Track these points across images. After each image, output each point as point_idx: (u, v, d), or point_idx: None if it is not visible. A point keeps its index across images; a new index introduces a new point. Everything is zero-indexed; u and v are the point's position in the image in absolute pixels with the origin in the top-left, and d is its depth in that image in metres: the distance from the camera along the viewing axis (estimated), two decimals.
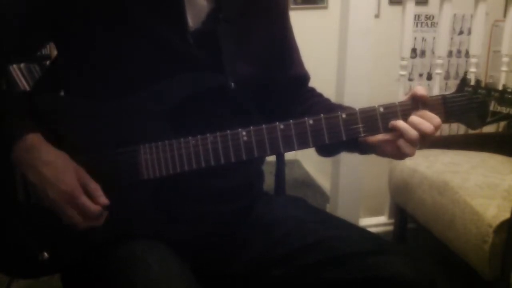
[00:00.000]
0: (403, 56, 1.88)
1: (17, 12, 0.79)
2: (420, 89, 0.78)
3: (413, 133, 0.76)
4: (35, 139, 0.75)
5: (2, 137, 0.76)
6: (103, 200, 0.75)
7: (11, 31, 0.80)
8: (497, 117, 0.77)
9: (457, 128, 2.23)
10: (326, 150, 0.91)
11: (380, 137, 0.80)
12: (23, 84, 2.60)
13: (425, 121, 0.76)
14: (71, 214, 0.74)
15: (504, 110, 0.77)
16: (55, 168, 0.74)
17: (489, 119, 0.78)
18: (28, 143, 0.74)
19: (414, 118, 0.77)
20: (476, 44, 1.91)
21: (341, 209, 1.95)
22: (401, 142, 0.77)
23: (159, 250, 0.76)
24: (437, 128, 0.76)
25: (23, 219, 0.80)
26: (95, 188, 0.76)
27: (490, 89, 0.77)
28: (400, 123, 0.77)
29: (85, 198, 0.74)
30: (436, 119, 0.76)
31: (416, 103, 0.78)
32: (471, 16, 2.21)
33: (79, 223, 0.74)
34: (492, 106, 0.77)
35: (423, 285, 0.79)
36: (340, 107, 0.91)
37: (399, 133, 0.77)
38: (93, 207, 0.74)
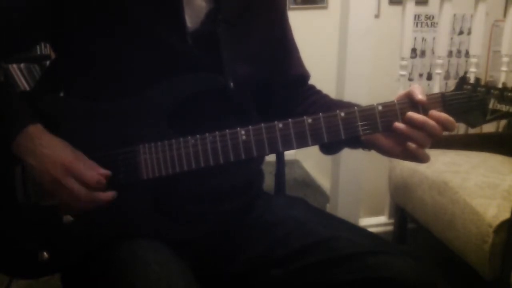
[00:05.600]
0: (403, 56, 1.88)
1: (17, 10, 0.79)
2: (418, 92, 0.77)
3: (421, 135, 0.76)
4: (35, 130, 0.76)
5: (1, 133, 0.76)
6: (103, 171, 0.76)
7: (9, 28, 0.79)
8: (496, 115, 0.77)
9: (457, 128, 2.23)
10: (329, 147, 0.90)
11: (385, 141, 0.80)
12: (23, 84, 2.60)
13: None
14: (72, 185, 0.74)
15: (504, 108, 0.76)
16: (53, 147, 0.75)
17: (488, 117, 0.77)
18: (29, 134, 0.75)
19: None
20: (476, 44, 1.91)
21: (341, 209, 1.95)
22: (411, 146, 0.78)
23: (159, 250, 0.76)
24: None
25: (23, 219, 0.81)
26: (93, 163, 0.77)
27: (489, 87, 0.77)
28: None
29: (83, 166, 0.75)
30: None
31: (415, 102, 0.78)
32: (471, 16, 2.21)
33: (81, 193, 0.74)
34: (492, 104, 0.77)
35: (423, 285, 0.79)
36: (339, 103, 0.92)
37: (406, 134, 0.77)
38: (93, 172, 0.75)
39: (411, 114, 0.76)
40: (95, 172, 0.75)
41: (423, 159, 0.79)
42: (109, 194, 0.77)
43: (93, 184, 0.75)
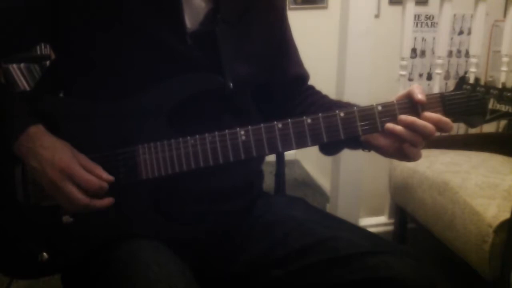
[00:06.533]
0: (403, 56, 1.88)
1: (17, 10, 0.79)
2: (417, 92, 0.77)
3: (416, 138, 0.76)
4: (37, 130, 0.76)
5: (3, 133, 0.76)
6: (106, 175, 0.76)
7: (9, 28, 0.79)
8: (496, 115, 0.77)
9: (457, 128, 2.23)
10: (328, 148, 0.91)
11: (384, 141, 0.80)
12: (23, 84, 2.61)
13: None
14: (70, 189, 0.73)
15: (503, 108, 0.76)
16: (54, 149, 0.75)
17: (488, 117, 0.77)
18: (30, 135, 0.75)
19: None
20: (476, 44, 1.91)
21: (341, 209, 1.95)
22: (405, 145, 0.78)
23: (159, 250, 0.76)
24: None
25: (23, 219, 0.81)
26: (96, 166, 0.76)
27: (489, 87, 0.77)
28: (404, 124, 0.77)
29: (83, 170, 0.74)
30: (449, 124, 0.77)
31: (415, 101, 0.78)
32: (471, 16, 2.21)
33: (79, 198, 0.74)
34: (491, 104, 0.77)
35: (424, 285, 0.78)
36: (339, 104, 0.92)
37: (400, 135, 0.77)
38: (93, 178, 0.74)
39: (401, 116, 0.77)
40: (95, 177, 0.75)
41: (413, 157, 0.79)
42: (107, 201, 0.76)
43: (94, 190, 0.74)
